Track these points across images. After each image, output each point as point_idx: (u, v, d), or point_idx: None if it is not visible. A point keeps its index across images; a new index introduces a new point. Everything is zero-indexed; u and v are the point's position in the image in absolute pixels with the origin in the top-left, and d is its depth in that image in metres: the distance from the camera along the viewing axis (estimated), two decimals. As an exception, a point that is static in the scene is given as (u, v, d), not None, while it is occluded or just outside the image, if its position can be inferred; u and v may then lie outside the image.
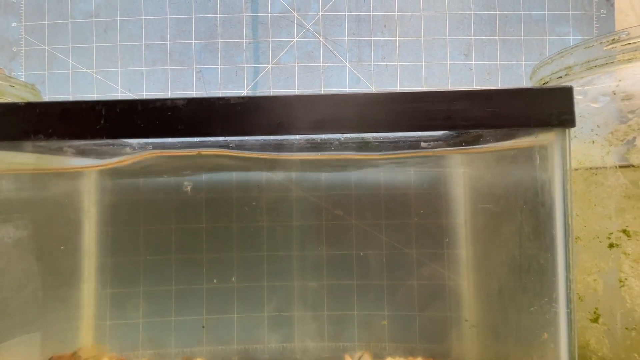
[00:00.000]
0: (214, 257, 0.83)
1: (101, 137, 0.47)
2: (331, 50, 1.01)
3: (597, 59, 0.68)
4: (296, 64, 1.02)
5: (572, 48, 0.74)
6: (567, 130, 0.46)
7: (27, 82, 0.83)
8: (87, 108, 0.46)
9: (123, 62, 1.02)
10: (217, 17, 1.01)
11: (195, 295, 0.82)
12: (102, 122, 0.46)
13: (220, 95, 0.47)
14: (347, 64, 1.01)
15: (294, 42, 1.02)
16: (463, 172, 0.72)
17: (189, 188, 0.76)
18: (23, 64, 1.00)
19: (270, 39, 1.01)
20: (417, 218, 0.82)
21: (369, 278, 0.84)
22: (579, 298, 0.61)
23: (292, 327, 0.83)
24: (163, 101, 0.46)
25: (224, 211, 0.83)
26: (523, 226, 0.54)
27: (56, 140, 0.47)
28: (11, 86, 0.78)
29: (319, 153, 0.64)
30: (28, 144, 0.53)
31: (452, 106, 0.45)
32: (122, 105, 0.46)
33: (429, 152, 0.62)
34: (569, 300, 0.45)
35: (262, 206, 0.83)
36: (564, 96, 0.45)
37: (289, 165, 0.80)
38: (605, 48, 0.69)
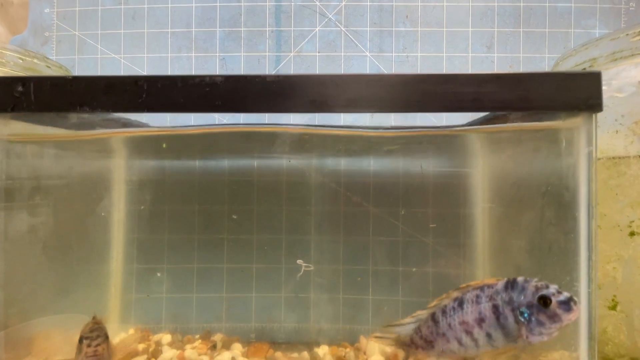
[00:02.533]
0: (234, 239, 0.86)
1: (142, 111, 0.49)
2: (352, 40, 1.02)
3: (622, 51, 0.68)
4: (317, 53, 1.03)
5: (597, 40, 0.74)
6: (594, 115, 0.47)
7: (62, 65, 0.87)
8: (130, 83, 0.49)
9: (149, 49, 1.04)
10: (241, 5, 1.03)
11: (216, 274, 0.85)
12: (144, 96, 0.49)
13: (256, 74, 0.48)
14: (368, 54, 1.02)
15: (316, 32, 1.03)
16: (484, 155, 0.72)
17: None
18: (54, 48, 1.03)
19: (292, 28, 1.03)
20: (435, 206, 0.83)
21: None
22: (598, 286, 0.61)
23: (308, 308, 0.85)
24: (202, 78, 0.48)
25: (246, 194, 0.85)
26: (545, 209, 0.55)
27: (100, 112, 0.49)
28: (47, 67, 0.81)
29: (332, 128, 0.65)
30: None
31: (481, 88, 0.46)
32: (163, 81, 0.49)
33: (450, 131, 0.63)
34: (590, 281, 0.46)
35: (283, 190, 0.85)
36: (592, 81, 0.46)
37: (309, 148, 0.82)
38: (632, 40, 0.68)
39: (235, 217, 0.85)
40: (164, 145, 0.73)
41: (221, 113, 0.48)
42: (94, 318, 0.59)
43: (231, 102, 0.48)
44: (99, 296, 0.80)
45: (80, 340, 0.53)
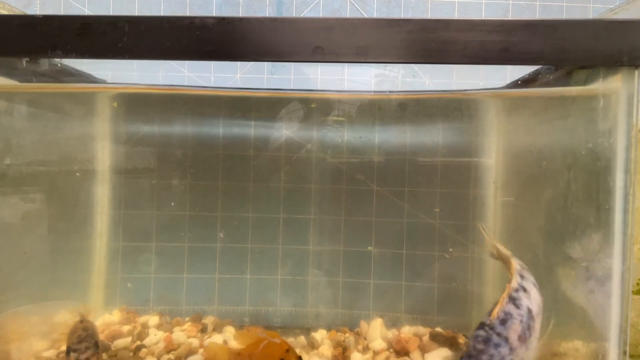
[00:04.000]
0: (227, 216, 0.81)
1: (123, 57, 0.43)
2: (358, 10, 0.96)
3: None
4: (321, 23, 0.96)
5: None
6: (636, 72, 0.42)
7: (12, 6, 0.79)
8: (109, 23, 0.43)
9: (141, 13, 0.97)
10: (240, -30, 0.96)
11: (209, 254, 0.80)
12: (125, 39, 0.43)
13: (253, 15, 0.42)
14: (374, 24, 0.95)
15: (320, -1, 0.97)
16: (500, 121, 0.66)
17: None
18: None
19: (294, -5, 0.96)
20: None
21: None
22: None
23: (306, 291, 0.80)
24: (191, 19, 0.42)
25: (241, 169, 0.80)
26: (571, 183, 0.49)
27: (74, 57, 0.43)
28: None
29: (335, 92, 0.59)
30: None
31: (510, 37, 0.41)
32: (147, 22, 0.43)
33: (467, 94, 0.57)
34: (625, 258, 0.42)
35: (280, 166, 0.80)
36: (637, 30, 0.40)
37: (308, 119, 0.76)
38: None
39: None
40: (115, 104, 0.66)
41: (213, 61, 0.42)
42: (81, 321, 0.54)
43: (224, 48, 0.42)
44: (80, 276, 0.74)
45: (68, 352, 0.48)
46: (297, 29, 0.42)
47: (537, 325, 0.42)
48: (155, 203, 0.78)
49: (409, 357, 0.62)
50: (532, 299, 0.43)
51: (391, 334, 0.71)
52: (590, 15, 0.92)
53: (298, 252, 0.81)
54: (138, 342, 0.64)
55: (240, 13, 0.96)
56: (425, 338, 0.67)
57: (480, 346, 0.40)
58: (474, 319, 0.79)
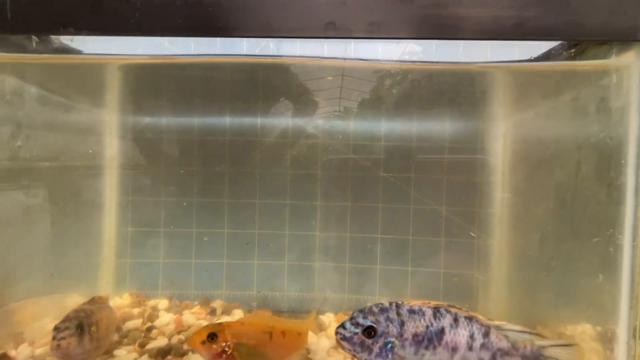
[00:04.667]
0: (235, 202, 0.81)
1: (134, 33, 0.43)
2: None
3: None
4: None
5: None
6: (650, 47, 0.41)
7: None
8: (120, 0, 0.43)
9: None
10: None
11: (216, 239, 0.80)
12: (137, 16, 0.43)
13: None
14: None
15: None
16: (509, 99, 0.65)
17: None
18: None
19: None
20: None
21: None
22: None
23: (313, 277, 0.81)
24: (203, -5, 0.42)
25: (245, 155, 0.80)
26: (581, 163, 0.50)
27: (86, 34, 0.43)
28: None
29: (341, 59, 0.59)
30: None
31: (524, 12, 0.40)
32: (159, -2, 0.43)
33: (475, 66, 0.57)
34: (636, 235, 0.42)
35: (288, 152, 0.80)
36: (652, 5, 0.40)
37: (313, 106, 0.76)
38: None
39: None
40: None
41: (224, 37, 0.42)
42: (92, 300, 0.54)
43: (236, 24, 0.42)
44: (91, 260, 0.75)
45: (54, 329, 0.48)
46: (309, 4, 0.41)
47: (439, 355, 0.43)
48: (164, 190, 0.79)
49: (417, 339, 0.63)
50: (456, 334, 0.44)
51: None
52: None
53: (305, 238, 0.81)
54: (149, 324, 0.65)
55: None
56: (433, 320, 0.68)
57: (376, 309, 0.43)
58: (479, 304, 0.80)
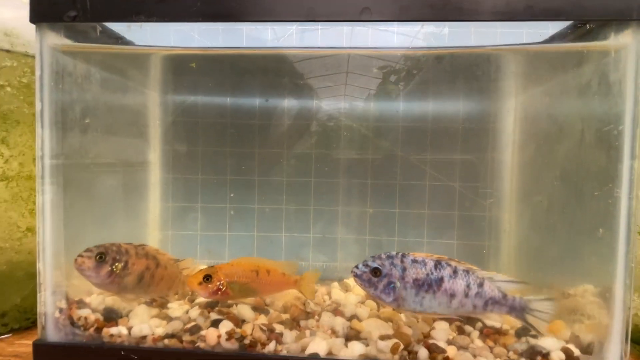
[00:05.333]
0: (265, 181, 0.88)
1: (197, 20, 0.50)
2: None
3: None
4: None
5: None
6: (645, 26, 0.47)
7: None
8: (185, -10, 0.50)
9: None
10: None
11: (248, 214, 0.88)
12: (199, 4, 0.50)
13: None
14: None
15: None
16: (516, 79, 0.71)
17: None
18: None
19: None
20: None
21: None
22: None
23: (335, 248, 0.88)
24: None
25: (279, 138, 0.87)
26: (585, 131, 0.56)
27: (155, 21, 0.50)
28: None
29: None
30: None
31: (534, -5, 0.47)
32: (217, -12, 0.50)
33: (483, 49, 0.63)
34: (632, 188, 0.48)
35: (312, 134, 0.86)
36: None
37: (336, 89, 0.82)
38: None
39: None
40: (193, 65, 0.74)
41: (273, 22, 0.49)
42: (140, 246, 0.61)
43: (284, 9, 0.49)
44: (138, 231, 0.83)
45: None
46: (347, -8, 0.48)
47: (438, 299, 0.53)
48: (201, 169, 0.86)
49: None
50: (454, 283, 0.53)
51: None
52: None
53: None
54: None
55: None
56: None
57: (384, 256, 0.54)
58: (490, 269, 0.86)
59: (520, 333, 0.57)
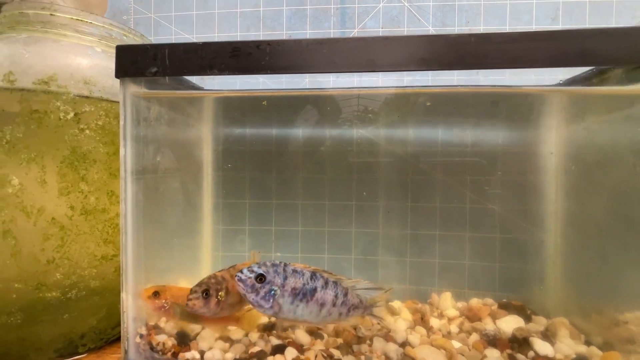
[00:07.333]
0: (308, 204, 0.92)
1: (265, 72, 0.55)
2: (415, 15, 1.04)
3: None
4: (381, 29, 1.06)
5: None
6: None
7: (137, 32, 0.92)
8: (253, 46, 0.55)
9: (220, 28, 1.10)
10: (305, -16, 1.07)
11: (292, 236, 0.92)
12: (267, 59, 0.54)
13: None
14: (430, 28, 1.04)
15: (380, 8, 1.06)
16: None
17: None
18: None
19: (356, 5, 1.06)
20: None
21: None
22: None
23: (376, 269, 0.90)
24: (322, 41, 0.53)
25: (317, 163, 0.91)
26: (637, 161, 0.57)
27: (227, 74, 0.55)
28: (125, 35, 0.86)
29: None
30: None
31: (587, 43, 0.49)
32: (284, 44, 0.54)
33: (527, 89, 0.65)
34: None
35: (354, 159, 0.90)
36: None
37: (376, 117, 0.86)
38: None
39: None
40: (264, 103, 0.79)
41: (337, 73, 0.53)
42: (233, 267, 0.64)
43: (346, 62, 0.53)
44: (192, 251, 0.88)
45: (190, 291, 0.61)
46: (406, 42, 0.52)
47: (309, 308, 0.57)
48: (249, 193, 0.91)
49: (482, 322, 0.71)
50: (325, 293, 0.58)
51: (460, 304, 0.80)
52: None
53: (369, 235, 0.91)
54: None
55: (308, 24, 1.07)
56: (494, 307, 0.76)
57: (269, 264, 0.57)
58: (534, 294, 0.86)
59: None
